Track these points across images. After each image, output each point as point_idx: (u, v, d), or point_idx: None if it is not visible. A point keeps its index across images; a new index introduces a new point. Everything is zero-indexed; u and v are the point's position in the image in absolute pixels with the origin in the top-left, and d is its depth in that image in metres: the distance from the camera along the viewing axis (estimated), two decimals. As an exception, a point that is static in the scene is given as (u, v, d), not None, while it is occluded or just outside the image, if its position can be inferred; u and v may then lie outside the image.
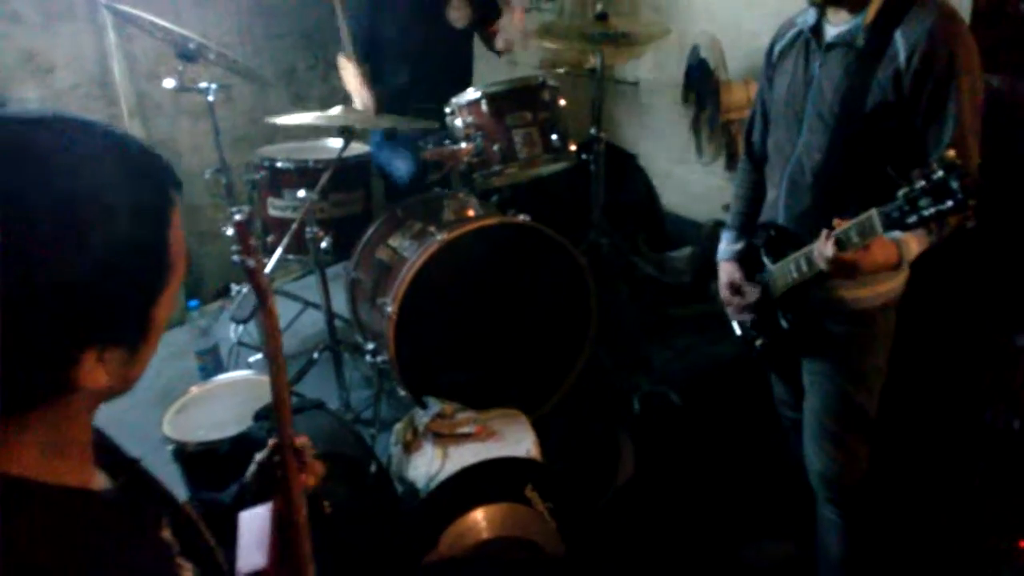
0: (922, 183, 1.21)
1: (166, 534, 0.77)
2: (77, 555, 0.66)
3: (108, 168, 0.67)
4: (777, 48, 1.70)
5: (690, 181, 3.57)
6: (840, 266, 1.40)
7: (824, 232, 1.42)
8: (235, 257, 0.98)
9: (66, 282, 0.62)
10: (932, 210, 1.20)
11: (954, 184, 1.17)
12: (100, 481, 0.77)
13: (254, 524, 0.95)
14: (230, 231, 2.86)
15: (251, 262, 0.91)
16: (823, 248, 1.41)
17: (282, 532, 0.97)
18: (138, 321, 0.71)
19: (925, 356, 2.16)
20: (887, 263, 1.42)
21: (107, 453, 0.82)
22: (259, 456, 1.07)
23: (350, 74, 2.86)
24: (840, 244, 1.38)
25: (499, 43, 3.01)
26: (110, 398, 0.75)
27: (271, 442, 1.04)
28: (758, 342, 1.83)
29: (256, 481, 1.06)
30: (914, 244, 1.43)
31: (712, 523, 2.22)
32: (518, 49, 3.05)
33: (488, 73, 3.42)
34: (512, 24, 2.91)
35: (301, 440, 1.04)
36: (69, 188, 0.63)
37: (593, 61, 2.90)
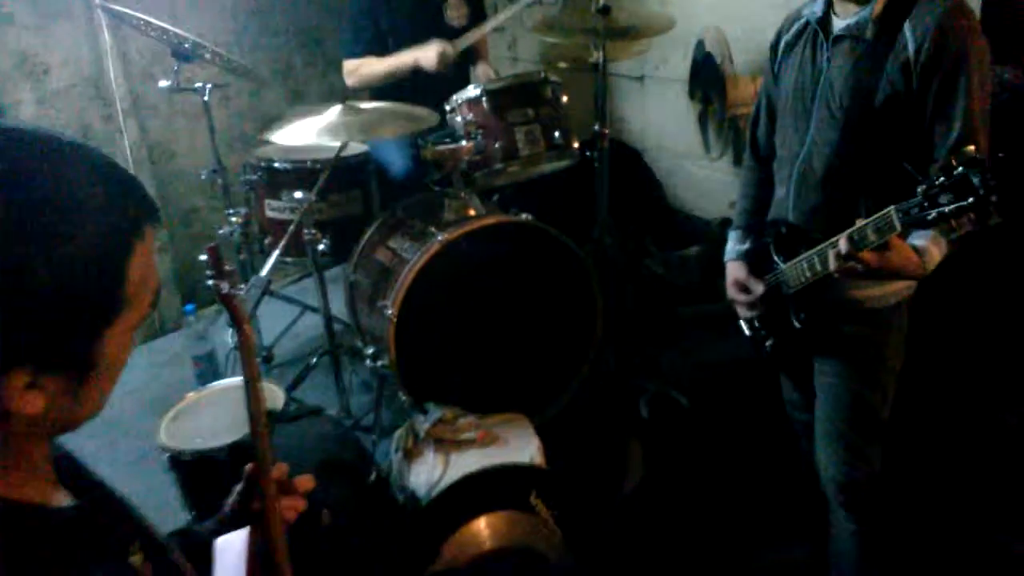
0: (942, 179, 1.18)
1: (135, 559, 0.75)
2: (28, 569, 0.64)
3: (73, 189, 0.66)
4: (783, 41, 1.68)
5: (698, 177, 3.54)
6: (854, 264, 1.36)
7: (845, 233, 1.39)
8: (209, 281, 0.97)
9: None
10: (953, 206, 1.17)
11: (975, 180, 1.15)
12: (61, 500, 0.74)
13: (231, 551, 0.94)
14: (225, 231, 2.83)
15: (224, 286, 0.91)
16: (839, 244, 1.38)
17: (261, 558, 0.96)
18: (81, 351, 0.68)
19: (939, 356, 2.14)
20: (905, 269, 1.38)
21: (72, 474, 0.80)
22: (237, 487, 1.05)
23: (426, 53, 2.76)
24: (855, 243, 1.35)
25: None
26: (60, 431, 0.73)
27: (248, 467, 1.02)
28: (768, 343, 1.82)
29: (234, 512, 1.03)
30: (936, 252, 1.40)
31: (723, 528, 2.21)
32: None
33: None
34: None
35: (280, 469, 1.03)
36: (21, 200, 0.62)
37: (596, 56, 2.86)
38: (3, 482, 0.67)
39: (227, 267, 0.95)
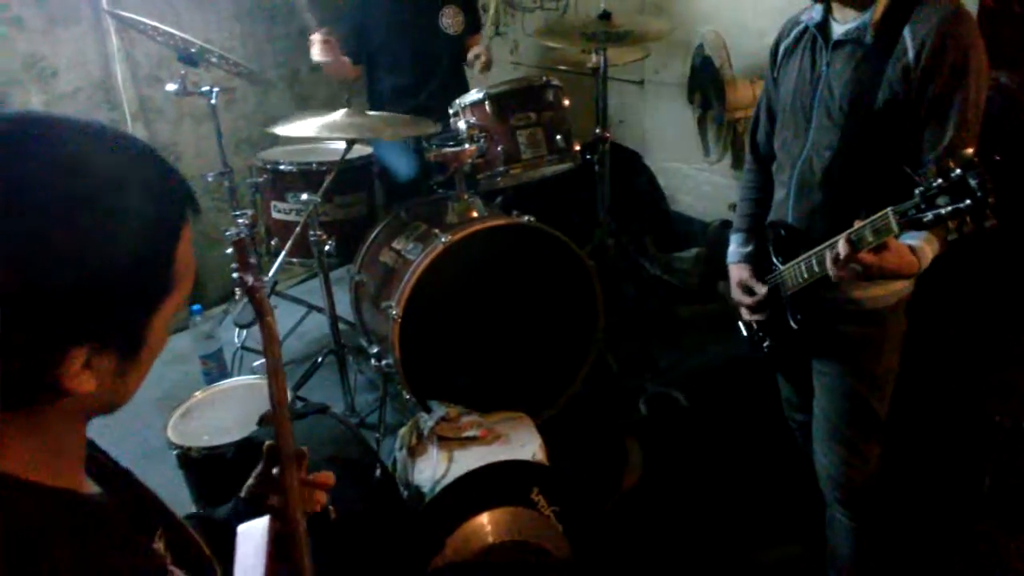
0: (939, 181, 1.18)
1: (159, 545, 0.76)
2: (60, 554, 0.65)
3: (132, 176, 0.68)
4: (782, 46, 1.68)
5: (697, 180, 3.56)
6: (854, 266, 1.36)
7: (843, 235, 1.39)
8: (234, 275, 0.98)
9: (64, 275, 0.62)
10: (950, 208, 1.17)
11: (973, 182, 1.14)
12: (90, 488, 0.76)
13: (252, 537, 0.94)
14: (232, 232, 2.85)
15: (249, 278, 0.92)
16: (838, 246, 1.38)
17: (281, 544, 0.97)
18: (132, 331, 0.70)
19: (934, 356, 2.15)
20: (901, 270, 1.38)
21: (99, 463, 0.82)
22: (256, 471, 1.06)
23: (319, 47, 2.84)
24: (853, 244, 1.35)
25: (472, 61, 3.07)
26: (101, 412, 0.74)
27: (266, 445, 1.03)
28: (766, 343, 1.82)
29: (252, 497, 1.05)
30: (929, 251, 1.40)
31: (720, 526, 2.21)
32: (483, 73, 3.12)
33: (491, 74, 3.41)
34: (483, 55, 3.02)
35: (301, 454, 1.03)
36: (87, 188, 0.64)
37: (596, 60, 2.89)
38: (41, 467, 0.68)
39: (251, 260, 0.96)
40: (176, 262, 0.71)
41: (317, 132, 2.38)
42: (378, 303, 2.47)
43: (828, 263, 1.42)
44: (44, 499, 0.67)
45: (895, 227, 1.27)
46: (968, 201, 1.15)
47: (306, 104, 4.07)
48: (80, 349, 0.65)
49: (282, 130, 2.38)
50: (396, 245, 2.54)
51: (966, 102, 1.38)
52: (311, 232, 2.49)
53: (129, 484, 0.84)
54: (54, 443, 0.70)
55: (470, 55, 3.07)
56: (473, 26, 3.13)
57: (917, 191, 1.21)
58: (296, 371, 2.88)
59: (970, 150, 1.19)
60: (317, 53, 2.81)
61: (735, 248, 1.88)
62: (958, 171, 1.16)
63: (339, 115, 2.43)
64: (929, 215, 1.20)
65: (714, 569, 2.15)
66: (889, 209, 1.27)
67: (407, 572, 1.77)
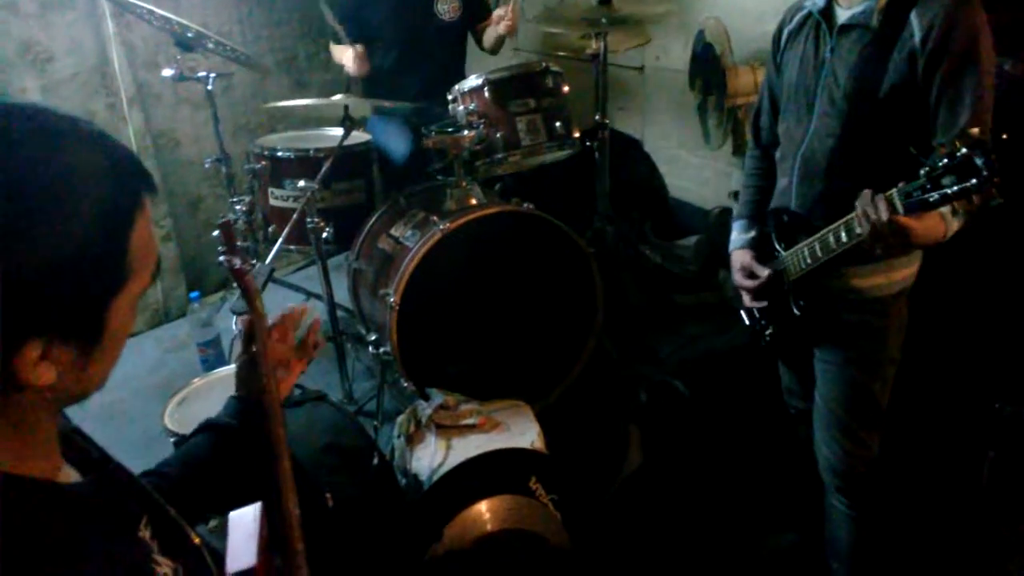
0: (945, 161, 1.18)
1: (144, 533, 0.75)
2: (39, 546, 0.64)
3: (75, 161, 0.66)
4: (785, 32, 1.68)
5: (697, 168, 3.55)
6: (890, 231, 1.30)
7: (867, 193, 1.32)
8: (220, 258, 0.97)
9: (9, 267, 0.60)
10: (956, 188, 1.16)
11: (979, 161, 1.14)
12: (68, 476, 0.75)
13: (244, 523, 0.92)
14: (229, 219, 2.83)
15: (236, 262, 0.91)
16: (878, 210, 1.30)
17: (274, 530, 0.96)
18: (89, 321, 0.69)
19: (934, 345, 2.14)
20: (930, 237, 1.37)
21: (82, 451, 0.81)
22: (237, 351, 1.11)
23: (355, 63, 2.87)
24: (850, 232, 1.35)
25: (496, 31, 2.96)
26: (72, 402, 0.73)
27: (243, 320, 1.05)
28: (768, 332, 1.82)
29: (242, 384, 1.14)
30: (954, 222, 1.39)
31: (720, 513, 2.22)
32: (509, 37, 3.01)
33: (490, 61, 3.39)
34: (509, 14, 2.86)
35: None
36: (26, 175, 0.62)
37: (596, 46, 2.86)
38: (11, 458, 0.68)
39: (238, 243, 0.95)
40: (130, 250, 0.69)
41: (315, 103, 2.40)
42: (376, 290, 2.47)
43: (863, 226, 1.34)
44: (21, 491, 0.66)
45: (900, 208, 1.26)
46: (974, 180, 1.14)
47: (304, 90, 4.05)
48: (35, 341, 0.64)
49: (280, 103, 2.37)
50: (394, 232, 2.53)
51: (977, 87, 1.37)
52: (309, 219, 2.47)
53: (113, 472, 0.82)
54: (27, 434, 0.70)
55: (495, 14, 2.96)
56: (478, 13, 3.08)
57: (923, 171, 1.21)
58: (294, 359, 2.87)
59: (976, 129, 1.18)
60: (353, 69, 2.88)
61: (737, 235, 1.88)
62: (964, 150, 1.15)
63: (337, 98, 2.42)
64: (935, 195, 1.20)
65: (713, 557, 2.15)
66: (894, 190, 1.27)
67: (405, 561, 1.77)
